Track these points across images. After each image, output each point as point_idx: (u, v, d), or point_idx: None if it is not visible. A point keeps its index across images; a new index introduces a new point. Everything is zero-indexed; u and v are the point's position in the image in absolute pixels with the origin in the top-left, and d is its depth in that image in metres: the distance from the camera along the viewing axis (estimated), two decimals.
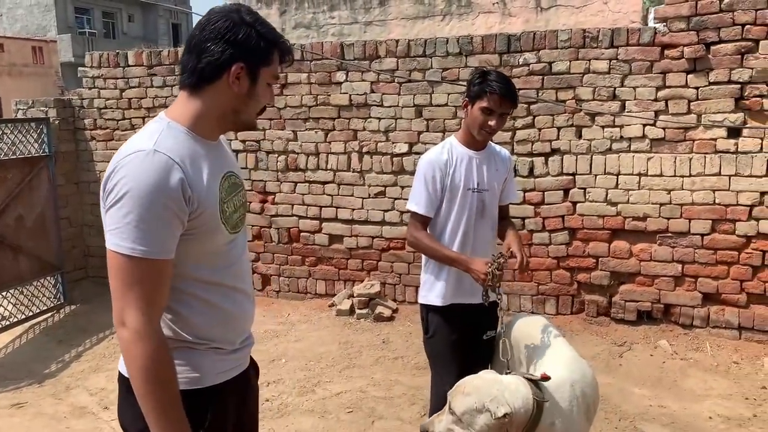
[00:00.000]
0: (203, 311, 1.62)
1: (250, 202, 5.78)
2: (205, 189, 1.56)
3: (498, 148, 2.90)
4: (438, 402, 2.73)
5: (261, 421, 2.05)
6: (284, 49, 1.65)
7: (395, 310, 5.57)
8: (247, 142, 5.87)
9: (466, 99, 2.71)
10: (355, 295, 5.56)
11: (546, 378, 2.23)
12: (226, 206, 1.63)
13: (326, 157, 5.71)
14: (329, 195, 5.74)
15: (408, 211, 2.82)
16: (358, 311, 5.50)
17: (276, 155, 5.85)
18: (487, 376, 2.24)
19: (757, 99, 4.51)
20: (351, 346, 4.96)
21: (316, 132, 5.70)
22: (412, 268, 5.56)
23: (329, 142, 5.68)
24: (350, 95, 5.55)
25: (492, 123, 2.64)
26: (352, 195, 5.68)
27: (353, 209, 5.69)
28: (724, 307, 4.74)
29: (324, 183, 5.75)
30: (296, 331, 5.31)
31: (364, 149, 5.58)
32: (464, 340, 2.75)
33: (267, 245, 5.99)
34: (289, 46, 1.67)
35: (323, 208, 5.78)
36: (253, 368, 1.86)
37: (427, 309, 2.86)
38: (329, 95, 5.62)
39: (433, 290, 2.83)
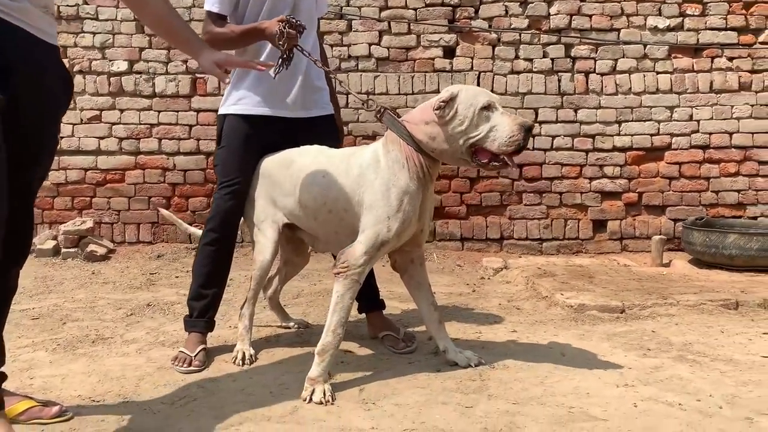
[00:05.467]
0: None
1: None
2: None
3: None
4: (218, 214, 2.56)
5: None
6: None
7: (112, 250, 4.88)
8: None
9: None
10: (61, 233, 4.76)
11: None
12: None
13: None
14: None
15: None
16: (64, 250, 4.70)
17: None
18: None
19: (467, 20, 4.88)
20: (51, 279, 4.18)
21: None
22: (133, 203, 4.96)
23: None
24: (58, 6, 4.87)
25: None
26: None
27: (61, 137, 4.93)
28: (448, 220, 4.95)
29: None
30: None
31: (75, 68, 4.90)
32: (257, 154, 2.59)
33: None
34: None
35: None
36: None
37: (223, 119, 2.61)
38: None
39: (230, 98, 2.59)
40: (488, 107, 2.14)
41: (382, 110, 2.30)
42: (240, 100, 2.54)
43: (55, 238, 4.82)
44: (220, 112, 2.62)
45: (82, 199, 4.97)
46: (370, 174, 2.24)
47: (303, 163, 2.46)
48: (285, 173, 2.49)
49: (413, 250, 2.44)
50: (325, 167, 2.39)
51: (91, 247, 4.72)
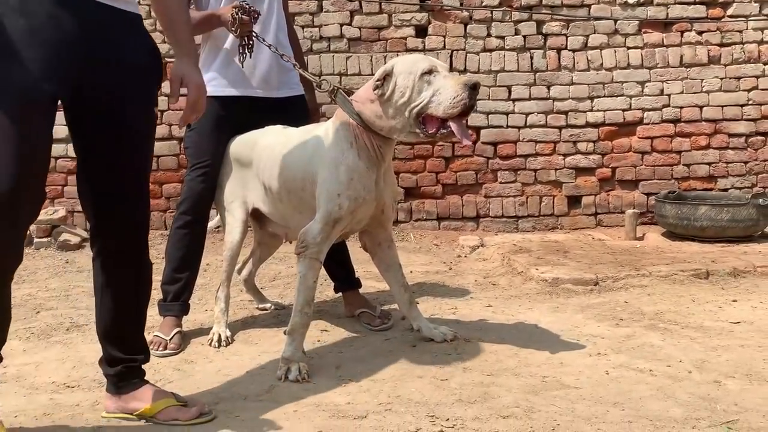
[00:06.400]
0: None
1: None
2: None
3: None
4: (190, 197, 2.55)
5: None
6: None
7: (85, 239, 4.81)
8: None
9: None
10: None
11: None
12: None
13: None
14: None
15: None
16: (37, 240, 4.64)
17: None
18: None
19: None
20: (24, 269, 4.12)
21: None
22: None
23: None
24: None
25: None
26: None
27: None
28: (424, 200, 4.96)
29: None
30: None
31: None
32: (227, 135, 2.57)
33: None
34: None
35: None
36: None
37: None
38: None
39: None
40: (429, 72, 2.08)
41: (335, 90, 2.28)
42: (209, 82, 2.51)
43: None
44: None
45: (53, 188, 4.89)
46: (322, 151, 2.24)
47: (265, 143, 2.46)
48: (249, 154, 2.49)
49: (379, 233, 2.45)
50: (284, 146, 2.39)
51: (65, 236, 4.66)
